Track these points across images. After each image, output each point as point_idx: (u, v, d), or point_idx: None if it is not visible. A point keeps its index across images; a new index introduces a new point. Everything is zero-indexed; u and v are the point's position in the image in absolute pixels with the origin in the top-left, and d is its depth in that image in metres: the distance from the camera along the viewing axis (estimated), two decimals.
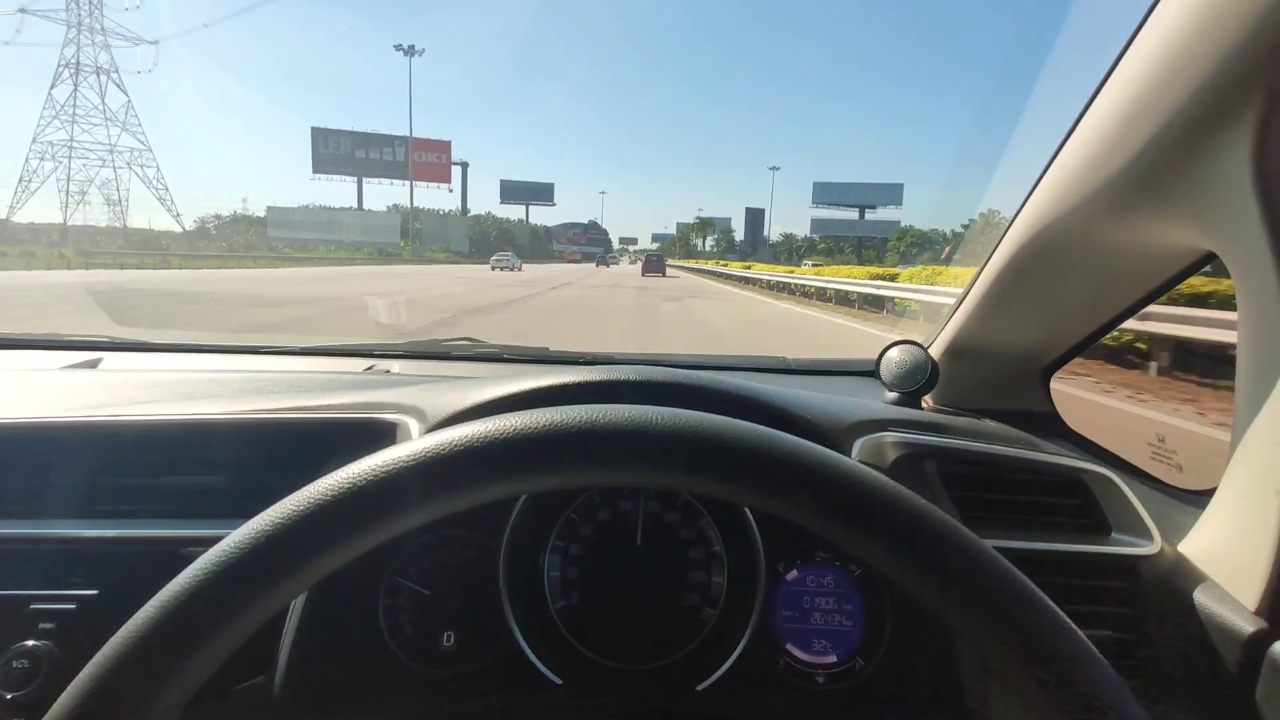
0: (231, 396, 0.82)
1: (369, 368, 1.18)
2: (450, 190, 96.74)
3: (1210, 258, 0.70)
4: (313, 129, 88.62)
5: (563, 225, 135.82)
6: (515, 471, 0.37)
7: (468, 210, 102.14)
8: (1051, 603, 0.32)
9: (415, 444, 0.36)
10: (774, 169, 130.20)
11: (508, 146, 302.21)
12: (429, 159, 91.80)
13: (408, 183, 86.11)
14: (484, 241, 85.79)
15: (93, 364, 1.11)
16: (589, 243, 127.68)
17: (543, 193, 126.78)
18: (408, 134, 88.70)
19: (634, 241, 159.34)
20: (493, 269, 36.89)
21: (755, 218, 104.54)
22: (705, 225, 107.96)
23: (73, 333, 1.31)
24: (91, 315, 8.97)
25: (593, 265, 60.66)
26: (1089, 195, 0.68)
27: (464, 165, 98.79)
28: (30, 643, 0.61)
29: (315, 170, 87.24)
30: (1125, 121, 0.62)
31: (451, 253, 74.40)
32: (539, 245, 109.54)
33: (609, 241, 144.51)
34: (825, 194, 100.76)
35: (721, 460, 0.37)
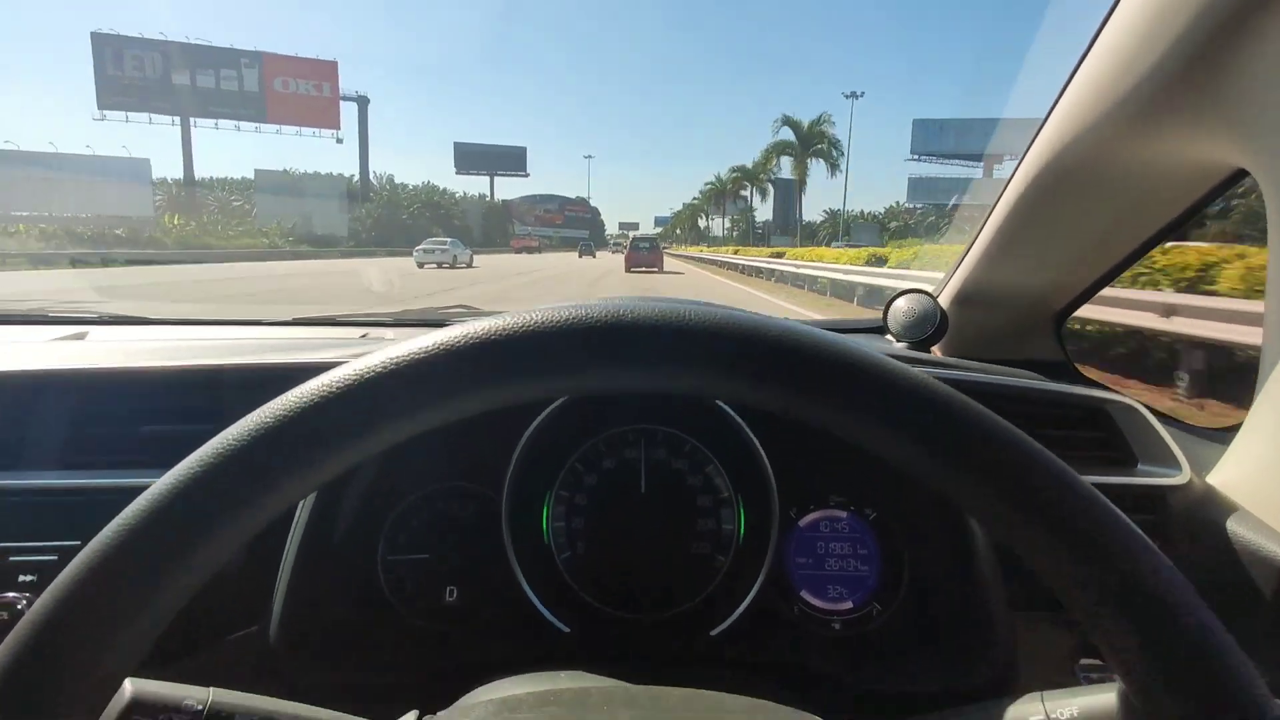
0: (219, 357, 0.79)
1: (364, 335, 1.16)
2: (340, 141, 58.23)
3: (1240, 176, 0.67)
4: (93, 36, 47.89)
5: (527, 199, 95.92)
6: (556, 368, 0.31)
7: (369, 170, 61.27)
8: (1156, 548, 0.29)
9: (407, 344, 0.31)
10: (853, 96, 53.25)
11: (468, 103, 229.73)
12: (300, 89, 55.13)
13: (269, 128, 54.63)
14: (393, 222, 55.30)
15: (80, 336, 1.08)
16: (568, 223, 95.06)
17: (511, 160, 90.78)
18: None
19: (635, 226, 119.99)
20: (420, 265, 24.49)
21: (785, 192, 67.50)
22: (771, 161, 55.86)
23: (59, 309, 1.28)
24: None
25: (574, 255, 45.31)
26: (1112, 107, 0.64)
27: (361, 101, 59.37)
28: (9, 594, 0.61)
29: (102, 105, 49.53)
30: (1152, 21, 0.57)
31: (309, 241, 41.71)
32: (499, 227, 78.76)
33: (599, 224, 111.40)
34: (931, 138, 60.48)
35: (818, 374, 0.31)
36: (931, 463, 0.31)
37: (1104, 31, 0.63)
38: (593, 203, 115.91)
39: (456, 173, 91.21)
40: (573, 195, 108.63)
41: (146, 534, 0.28)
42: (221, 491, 0.29)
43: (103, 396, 0.73)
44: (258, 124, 56.09)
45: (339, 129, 58.47)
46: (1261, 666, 0.51)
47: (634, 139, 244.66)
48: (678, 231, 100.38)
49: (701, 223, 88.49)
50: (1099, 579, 0.28)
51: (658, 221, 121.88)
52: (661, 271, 25.40)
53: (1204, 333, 4.52)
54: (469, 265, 26.70)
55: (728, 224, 79.02)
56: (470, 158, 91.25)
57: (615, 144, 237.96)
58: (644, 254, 27.11)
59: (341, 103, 57.96)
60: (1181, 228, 0.79)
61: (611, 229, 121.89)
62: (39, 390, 0.72)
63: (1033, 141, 0.76)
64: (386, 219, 56.43)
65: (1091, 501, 0.29)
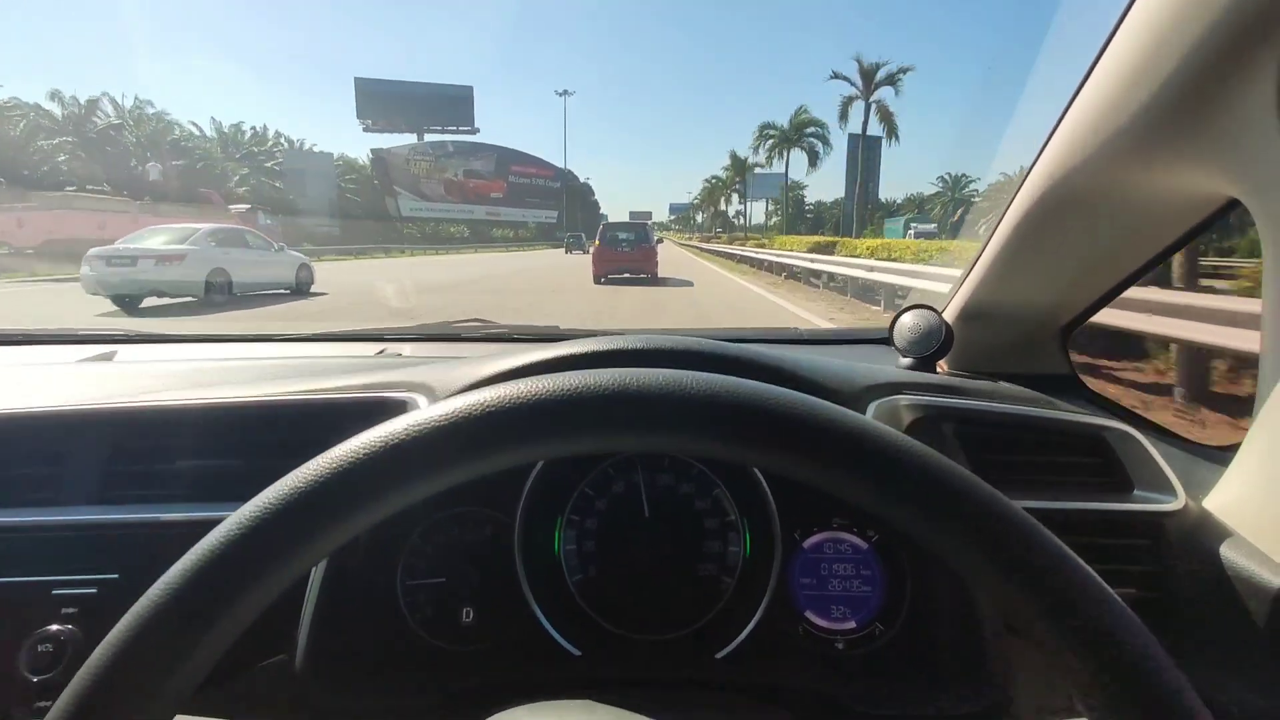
0: (245, 383, 0.83)
1: (380, 351, 1.20)
2: None
3: (1234, 205, 0.68)
4: None
5: (424, 149, 56.27)
6: (548, 434, 0.36)
7: None
8: (1089, 569, 0.31)
9: (440, 406, 0.35)
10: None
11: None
12: None
13: None
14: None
15: (108, 357, 1.13)
16: (514, 197, 59.61)
17: (447, 107, 59.23)
18: None
19: (648, 216, 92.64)
20: (103, 293, 8.78)
21: (864, 157, 49.24)
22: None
23: (87, 327, 1.32)
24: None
25: (521, 259, 30.30)
26: (1107, 140, 0.65)
27: None
28: (54, 627, 0.64)
29: None
30: (1144, 58, 0.58)
31: None
32: (379, 203, 50.15)
33: (592, 207, 78.63)
34: None
35: (761, 427, 0.36)
36: (873, 500, 0.34)
37: (1099, 63, 0.64)
38: (583, 178, 79.16)
39: (364, 128, 56.98)
40: (551, 163, 67.61)
41: (198, 585, 0.30)
42: (269, 546, 0.32)
43: (137, 432, 0.76)
44: None
45: None
46: (1256, 691, 0.57)
47: (646, 115, 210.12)
48: (698, 219, 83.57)
49: (731, 209, 65.73)
50: (1047, 616, 0.29)
51: (673, 209, 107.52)
52: (656, 281, 15.01)
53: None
54: (294, 289, 11.35)
55: (770, 207, 57.74)
56: (381, 101, 55.97)
57: (623, 121, 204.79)
58: (625, 252, 15.60)
59: None
60: (1180, 250, 0.80)
61: (620, 219, 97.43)
62: (75, 427, 0.75)
63: (1034, 164, 0.77)
64: None
65: (1029, 531, 0.30)
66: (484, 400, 0.35)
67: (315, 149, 48.83)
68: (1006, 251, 0.87)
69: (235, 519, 0.33)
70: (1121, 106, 0.62)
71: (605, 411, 0.35)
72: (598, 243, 16.06)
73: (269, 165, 41.37)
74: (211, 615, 0.31)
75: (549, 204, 63.23)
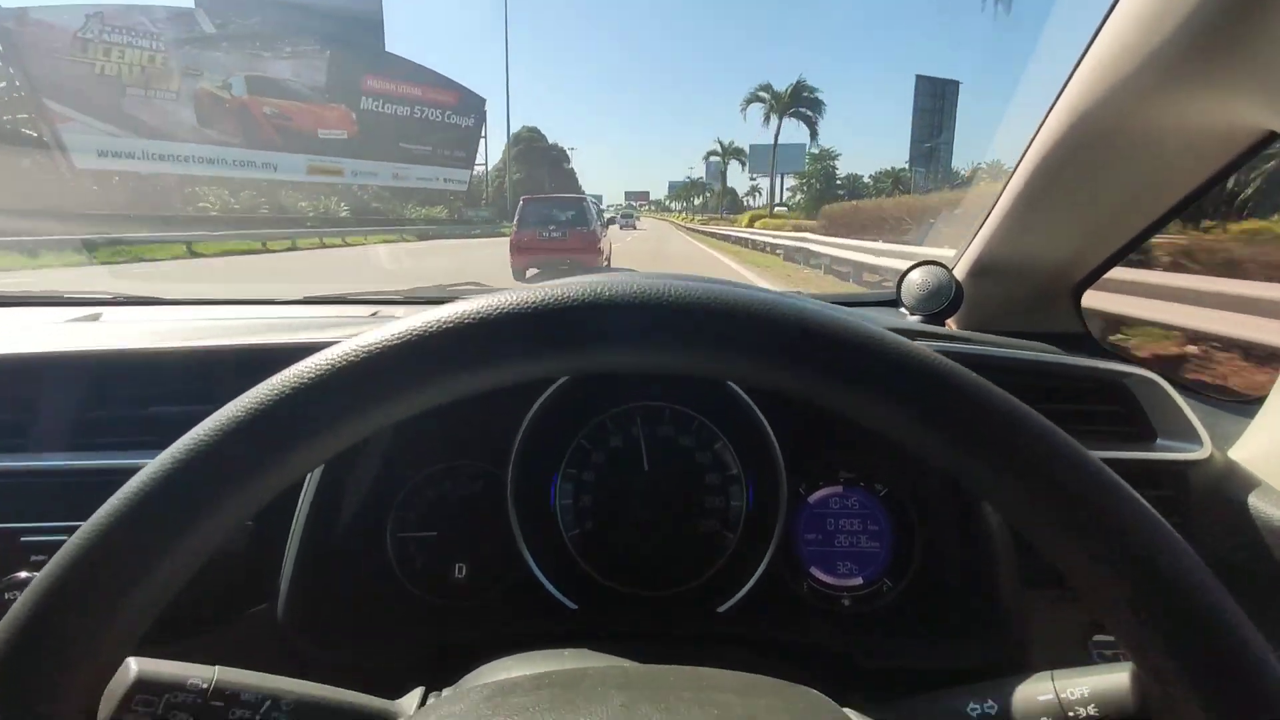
0: (232, 337, 0.80)
1: (374, 313, 1.17)
2: None
3: (1271, 139, 0.64)
4: None
5: (114, 15, 22.03)
6: (557, 347, 0.31)
7: None
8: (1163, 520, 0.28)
9: (411, 319, 0.31)
10: None
11: None
12: None
13: None
14: None
15: (94, 318, 1.10)
16: (377, 141, 31.22)
17: (345, 29, 29.61)
18: None
19: (644, 196, 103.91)
20: None
21: (937, 103, 43.49)
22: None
23: (74, 290, 1.29)
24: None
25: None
26: (1137, 67, 0.61)
27: None
28: (23, 574, 0.62)
29: None
30: None
31: None
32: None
33: (567, 178, 55.32)
34: None
35: (817, 349, 0.31)
36: (926, 436, 0.30)
37: None
38: (568, 148, 58.88)
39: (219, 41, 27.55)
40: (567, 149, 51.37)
41: (139, 514, 0.28)
42: (211, 473, 0.29)
43: (111, 378, 0.74)
44: None
45: None
46: None
47: (645, 97, 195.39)
48: (698, 201, 77.65)
49: (742, 185, 59.42)
50: (1107, 559, 0.27)
51: (672, 188, 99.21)
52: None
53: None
54: None
55: (791, 183, 48.06)
56: (242, 18, 29.91)
57: (621, 105, 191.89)
58: (554, 240, 11.36)
59: None
60: (1207, 193, 0.76)
61: (614, 199, 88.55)
62: (48, 372, 0.73)
63: (1053, 106, 0.73)
64: None
65: (1101, 477, 0.28)
66: (475, 309, 0.31)
67: None
68: (1022, 200, 0.84)
69: (186, 439, 0.29)
70: (1154, 29, 0.58)
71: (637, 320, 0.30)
72: (514, 227, 11.79)
73: None
74: (158, 543, 0.28)
75: (453, 157, 35.37)
